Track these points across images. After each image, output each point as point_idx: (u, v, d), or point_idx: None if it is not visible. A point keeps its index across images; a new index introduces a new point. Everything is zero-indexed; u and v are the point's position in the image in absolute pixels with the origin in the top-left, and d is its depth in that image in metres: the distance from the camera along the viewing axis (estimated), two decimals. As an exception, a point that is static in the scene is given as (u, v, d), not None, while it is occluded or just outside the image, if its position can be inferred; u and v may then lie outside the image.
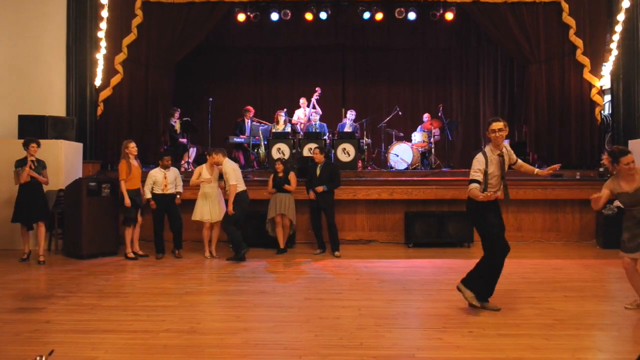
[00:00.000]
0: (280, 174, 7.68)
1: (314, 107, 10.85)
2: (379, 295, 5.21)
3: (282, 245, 7.69)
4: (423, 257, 7.37)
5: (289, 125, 10.51)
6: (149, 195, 7.22)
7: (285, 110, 10.61)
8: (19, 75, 9.07)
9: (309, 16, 10.68)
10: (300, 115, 10.90)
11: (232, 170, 7.14)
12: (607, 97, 9.89)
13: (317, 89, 10.94)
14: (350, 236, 8.74)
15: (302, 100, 10.99)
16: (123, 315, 4.53)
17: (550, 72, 9.72)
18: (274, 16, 10.63)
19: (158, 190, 7.24)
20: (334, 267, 6.76)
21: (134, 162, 7.35)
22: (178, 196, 7.46)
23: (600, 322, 4.38)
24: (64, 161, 8.15)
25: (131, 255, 7.28)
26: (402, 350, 3.69)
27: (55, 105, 9.13)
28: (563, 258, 7.30)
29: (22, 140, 7.00)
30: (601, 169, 8.89)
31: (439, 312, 4.59)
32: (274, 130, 10.14)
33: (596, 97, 9.44)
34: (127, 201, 7.13)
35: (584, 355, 3.64)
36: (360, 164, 9.85)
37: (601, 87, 9.55)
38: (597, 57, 9.49)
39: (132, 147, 7.32)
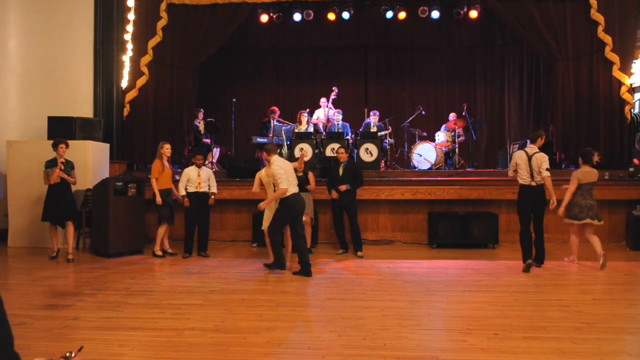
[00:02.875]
0: (300, 174, 7.60)
1: (332, 107, 10.87)
2: (402, 296, 5.18)
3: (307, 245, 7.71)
4: (447, 258, 7.29)
5: (311, 125, 10.54)
6: (183, 193, 7.29)
7: (307, 110, 10.64)
8: (48, 78, 9.32)
9: (331, 16, 10.69)
10: (320, 115, 10.93)
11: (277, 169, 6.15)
12: (638, 95, 9.65)
13: (334, 88, 10.95)
14: (373, 236, 8.72)
15: (323, 100, 11.02)
16: (149, 313, 4.61)
17: (578, 69, 9.53)
18: (297, 17, 10.67)
19: (191, 189, 7.31)
20: (357, 267, 6.75)
21: (166, 164, 7.46)
22: (212, 197, 7.50)
23: (629, 326, 4.28)
24: (91, 161, 8.33)
25: (159, 253, 7.39)
26: (426, 351, 3.66)
27: (83, 106, 9.35)
28: (591, 260, 7.14)
29: (51, 141, 7.17)
30: (631, 169, 8.67)
31: (464, 314, 4.54)
32: (296, 131, 10.18)
33: (626, 95, 9.22)
34: (159, 199, 7.24)
35: (613, 359, 3.55)
36: (382, 164, 9.81)
37: (631, 84, 9.32)
38: (627, 54, 9.27)
39: (167, 148, 7.46)
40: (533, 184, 6.31)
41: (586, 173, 6.64)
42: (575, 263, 6.84)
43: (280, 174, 5.98)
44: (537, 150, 6.40)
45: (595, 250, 6.50)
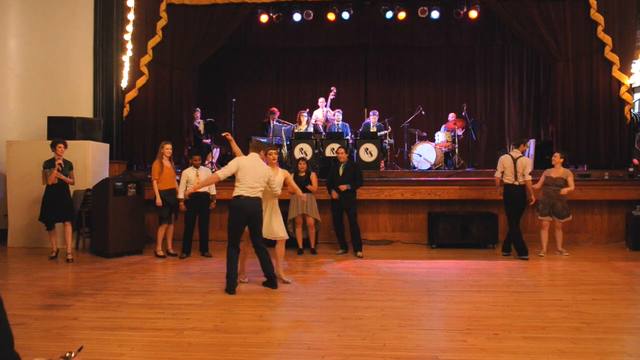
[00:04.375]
0: (302, 174, 7.52)
1: (330, 107, 10.86)
2: (402, 296, 5.18)
3: (300, 246, 7.69)
4: (446, 258, 7.29)
5: (311, 125, 10.54)
6: (181, 196, 7.23)
7: (307, 110, 10.64)
8: (48, 78, 9.31)
9: (331, 16, 10.70)
10: (318, 115, 10.93)
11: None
12: (638, 95, 9.65)
13: (332, 88, 10.93)
14: (372, 236, 8.71)
15: (321, 100, 11.02)
16: (148, 313, 4.60)
17: (577, 70, 9.53)
18: (297, 17, 10.67)
19: (190, 189, 7.27)
20: (357, 267, 6.75)
21: (167, 163, 7.45)
22: (214, 201, 7.48)
23: (629, 326, 4.28)
24: (91, 161, 8.32)
25: (161, 253, 7.38)
26: (425, 352, 3.66)
27: (82, 106, 9.34)
28: (591, 260, 7.15)
29: (51, 141, 7.16)
30: (631, 169, 8.67)
31: (463, 314, 4.55)
32: (296, 131, 10.18)
33: (625, 95, 9.21)
34: (159, 201, 7.24)
35: (613, 359, 3.55)
36: (382, 164, 9.81)
37: (631, 85, 9.31)
38: (627, 54, 9.27)
39: (167, 148, 7.43)
40: (516, 183, 7.18)
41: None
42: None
43: (230, 165, 5.37)
44: (521, 154, 7.30)
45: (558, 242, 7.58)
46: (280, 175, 6.01)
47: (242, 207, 5.36)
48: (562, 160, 7.41)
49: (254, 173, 5.39)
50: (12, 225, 8.26)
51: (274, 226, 5.78)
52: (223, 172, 5.36)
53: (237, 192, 5.39)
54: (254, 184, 5.38)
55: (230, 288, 5.32)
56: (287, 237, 5.95)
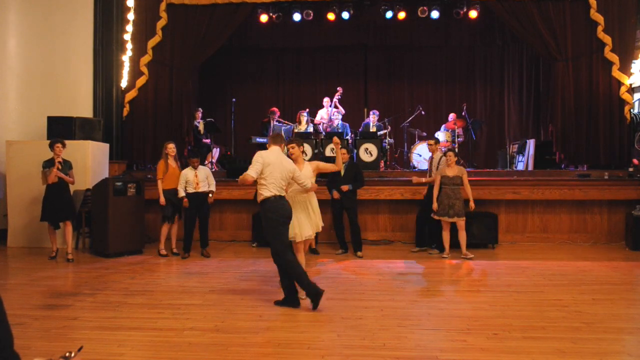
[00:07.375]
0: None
1: (335, 107, 10.85)
2: (402, 296, 5.18)
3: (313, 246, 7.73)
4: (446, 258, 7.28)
5: (311, 125, 10.53)
6: (182, 194, 7.30)
7: (307, 110, 10.64)
8: (48, 78, 9.32)
9: (331, 16, 10.69)
10: (323, 115, 10.92)
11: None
12: (637, 95, 9.64)
13: (338, 88, 10.94)
14: (372, 236, 8.71)
15: (326, 100, 11.00)
16: (148, 313, 4.60)
17: (577, 70, 9.52)
18: (296, 17, 10.66)
19: (191, 189, 7.32)
20: (357, 267, 6.75)
21: (173, 163, 7.48)
22: (210, 195, 7.50)
23: (629, 326, 4.27)
24: (91, 161, 8.32)
25: (164, 252, 7.41)
26: (425, 352, 3.66)
27: (82, 106, 9.35)
28: (591, 260, 7.15)
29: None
30: (631, 169, 8.67)
31: (463, 314, 4.54)
32: (296, 131, 10.18)
33: (625, 95, 9.20)
34: (162, 200, 7.31)
35: (613, 359, 3.55)
36: (382, 164, 9.80)
37: (631, 85, 9.30)
38: (627, 54, 9.25)
39: (170, 148, 7.49)
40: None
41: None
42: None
43: (256, 160, 4.67)
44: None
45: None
46: (307, 168, 5.35)
47: (284, 208, 4.71)
48: (455, 159, 7.39)
49: (282, 169, 4.72)
50: (12, 225, 8.26)
51: (316, 221, 5.32)
52: (254, 170, 4.59)
53: (268, 191, 4.65)
54: (282, 181, 4.74)
55: (316, 296, 4.60)
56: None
